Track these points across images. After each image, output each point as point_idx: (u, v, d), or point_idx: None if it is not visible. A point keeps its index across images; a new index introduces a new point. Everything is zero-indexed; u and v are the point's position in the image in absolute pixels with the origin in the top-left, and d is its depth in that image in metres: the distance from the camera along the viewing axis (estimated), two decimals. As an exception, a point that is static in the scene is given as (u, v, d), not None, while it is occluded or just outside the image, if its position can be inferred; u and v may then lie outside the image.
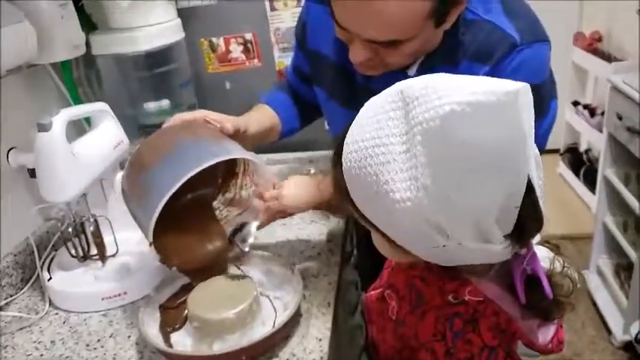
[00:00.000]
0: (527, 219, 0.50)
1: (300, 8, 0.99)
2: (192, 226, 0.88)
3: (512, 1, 0.77)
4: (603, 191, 2.00)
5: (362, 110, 0.53)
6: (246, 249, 0.88)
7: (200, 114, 0.86)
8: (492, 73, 0.72)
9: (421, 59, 0.77)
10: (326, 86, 0.94)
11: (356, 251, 1.18)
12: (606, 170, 1.97)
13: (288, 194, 0.84)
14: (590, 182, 2.58)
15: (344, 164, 0.53)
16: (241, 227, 0.89)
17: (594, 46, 2.57)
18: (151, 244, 0.77)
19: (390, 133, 0.48)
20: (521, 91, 0.45)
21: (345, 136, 0.54)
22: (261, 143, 0.99)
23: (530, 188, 0.49)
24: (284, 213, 0.87)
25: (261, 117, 0.99)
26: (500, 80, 0.46)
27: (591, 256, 2.11)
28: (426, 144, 0.45)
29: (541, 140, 0.81)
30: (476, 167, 0.45)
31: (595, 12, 2.83)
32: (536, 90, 0.60)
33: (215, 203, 0.93)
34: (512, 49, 0.73)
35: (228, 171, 0.92)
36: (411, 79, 0.49)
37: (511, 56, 0.73)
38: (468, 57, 0.75)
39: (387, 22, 0.66)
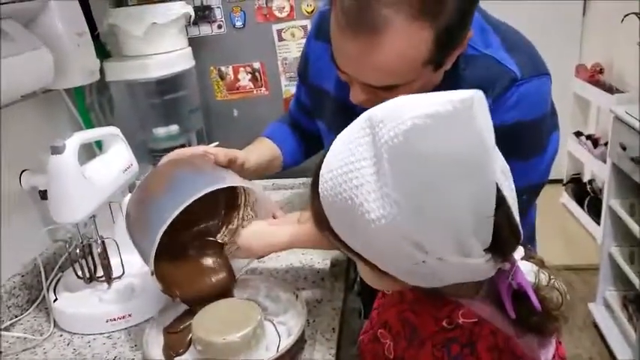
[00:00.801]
0: (503, 230, 0.51)
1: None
2: (196, 259, 0.89)
3: (511, 35, 0.79)
4: (608, 221, 1.99)
5: (334, 142, 0.55)
6: None
7: (198, 149, 0.89)
8: (492, 108, 0.73)
9: None
10: (327, 120, 0.96)
11: (359, 278, 1.18)
12: (611, 200, 1.97)
13: (244, 235, 0.86)
14: (595, 212, 2.58)
15: (321, 194, 0.54)
16: None
17: (596, 77, 2.60)
18: (152, 274, 0.78)
19: (361, 157, 0.50)
20: (475, 97, 0.46)
21: (320, 169, 0.55)
22: (263, 175, 1.01)
23: (501, 198, 0.50)
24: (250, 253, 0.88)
25: (262, 150, 1.01)
26: (457, 91, 0.48)
27: (598, 288, 2.09)
28: (393, 160, 0.47)
29: (544, 171, 0.82)
30: (442, 177, 0.46)
31: (595, 44, 2.88)
32: (537, 123, 0.61)
33: (219, 236, 0.94)
34: (513, 84, 0.74)
35: (230, 203, 0.93)
36: (377, 105, 0.51)
37: (511, 91, 0.74)
38: None
39: (385, 69, 0.67)
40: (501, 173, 0.52)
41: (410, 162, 0.46)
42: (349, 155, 0.51)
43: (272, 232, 0.86)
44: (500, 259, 0.53)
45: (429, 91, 0.76)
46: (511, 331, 0.56)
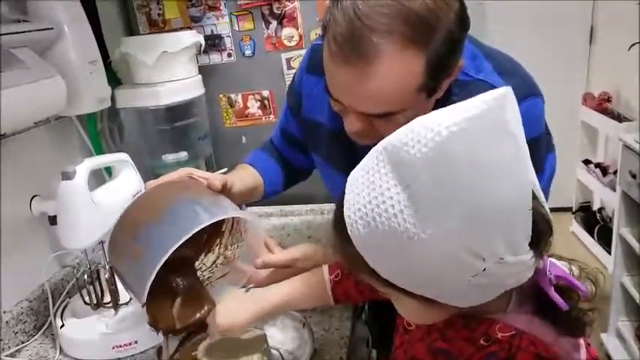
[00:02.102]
0: (539, 223, 0.51)
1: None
2: (175, 289, 0.82)
3: (503, 60, 0.80)
4: (619, 251, 1.96)
5: (349, 182, 0.54)
6: None
7: (185, 172, 0.85)
8: None
9: None
10: (322, 152, 0.96)
11: (367, 307, 1.17)
12: (621, 229, 1.94)
13: (220, 310, 0.78)
14: (605, 241, 2.55)
15: (353, 236, 0.52)
16: None
17: (604, 106, 2.60)
18: (143, 306, 0.73)
19: (388, 186, 0.49)
20: (507, 92, 0.48)
21: (341, 214, 0.54)
22: (244, 202, 0.98)
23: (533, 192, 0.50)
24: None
25: (245, 176, 0.99)
26: (487, 92, 0.48)
27: (610, 319, 2.04)
28: (433, 175, 0.46)
29: (543, 192, 0.82)
30: (487, 177, 0.46)
31: (603, 73, 2.89)
32: (533, 144, 0.61)
33: (197, 264, 0.87)
34: None
35: (213, 229, 0.86)
36: (386, 137, 0.51)
37: None
38: None
39: (379, 97, 0.68)
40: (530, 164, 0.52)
41: (453, 171, 0.46)
42: (372, 189, 0.50)
43: (233, 311, 0.78)
44: (538, 255, 0.52)
45: None
46: (549, 336, 0.55)
